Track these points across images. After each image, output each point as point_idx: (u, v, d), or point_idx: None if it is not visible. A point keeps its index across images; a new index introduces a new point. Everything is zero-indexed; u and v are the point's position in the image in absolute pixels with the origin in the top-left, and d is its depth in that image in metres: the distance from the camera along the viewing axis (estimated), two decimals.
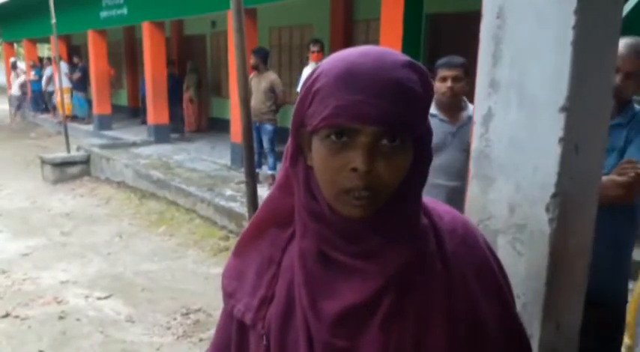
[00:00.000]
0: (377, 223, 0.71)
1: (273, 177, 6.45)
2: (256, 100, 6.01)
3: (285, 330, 0.77)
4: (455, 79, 2.53)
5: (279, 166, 6.11)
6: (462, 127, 2.56)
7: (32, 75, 15.39)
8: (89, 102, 13.00)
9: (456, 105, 2.61)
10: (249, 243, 0.85)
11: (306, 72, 6.09)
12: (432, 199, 0.84)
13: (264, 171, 6.46)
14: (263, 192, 5.87)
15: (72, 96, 13.18)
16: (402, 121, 0.66)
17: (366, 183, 0.66)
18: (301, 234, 0.76)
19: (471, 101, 2.38)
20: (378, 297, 0.72)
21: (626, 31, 1.54)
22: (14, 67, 16.80)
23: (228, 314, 0.87)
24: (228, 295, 0.85)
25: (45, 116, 15.00)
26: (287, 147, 0.77)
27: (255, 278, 0.82)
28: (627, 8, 2.06)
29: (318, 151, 0.69)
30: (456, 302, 0.75)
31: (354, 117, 0.65)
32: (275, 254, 0.81)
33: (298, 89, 6.16)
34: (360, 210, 0.68)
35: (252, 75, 6.03)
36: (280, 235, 0.81)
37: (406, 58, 0.69)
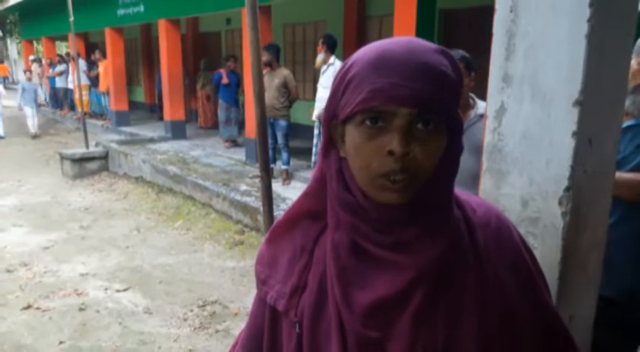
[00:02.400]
0: (412, 211, 0.71)
1: (287, 172, 6.47)
2: (269, 97, 6.02)
3: (317, 320, 0.78)
4: None
5: (293, 161, 6.08)
6: (469, 128, 2.31)
7: (50, 72, 15.59)
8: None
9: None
10: (283, 232, 0.86)
11: (319, 59, 6.00)
12: (463, 191, 0.83)
13: (278, 166, 6.49)
14: (277, 187, 5.91)
15: (90, 93, 13.34)
16: (436, 103, 0.67)
17: (403, 166, 0.66)
18: (334, 226, 0.76)
19: (481, 97, 2.34)
20: (410, 290, 0.72)
21: None
22: (39, 62, 17.05)
23: (261, 300, 0.87)
24: (262, 282, 0.86)
25: (61, 112, 15.19)
26: (321, 141, 0.78)
27: (287, 267, 0.83)
28: None
29: (352, 138, 0.70)
30: (488, 295, 0.75)
31: (389, 99, 0.66)
32: (307, 243, 0.81)
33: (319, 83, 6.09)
34: (396, 195, 0.68)
35: (264, 71, 6.03)
36: (313, 226, 0.82)
37: (437, 45, 0.70)
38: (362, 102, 0.67)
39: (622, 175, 1.69)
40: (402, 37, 0.72)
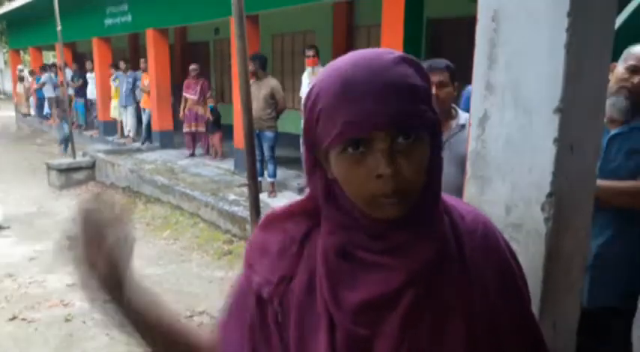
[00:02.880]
0: (407, 219, 0.72)
1: (273, 184, 6.36)
2: (256, 108, 5.96)
3: (305, 314, 0.78)
4: (440, 85, 2.24)
5: (282, 171, 5.99)
6: (452, 138, 2.25)
7: (35, 85, 15.46)
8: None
9: (443, 113, 2.25)
10: (277, 222, 0.85)
11: (305, 77, 6.11)
12: (452, 197, 0.84)
13: (265, 178, 6.37)
14: (264, 198, 5.88)
15: (73, 103, 13.20)
16: (411, 117, 0.67)
17: (394, 186, 0.67)
18: (327, 232, 0.77)
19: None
20: (401, 291, 0.73)
21: (621, 40, 1.55)
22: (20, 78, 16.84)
23: (246, 282, 0.86)
24: (249, 266, 0.86)
25: (47, 122, 15.07)
26: (305, 164, 0.78)
27: (276, 256, 0.82)
28: (622, 17, 2.06)
29: (338, 166, 0.71)
30: (473, 301, 0.76)
31: (365, 128, 0.66)
32: (297, 235, 0.82)
33: (301, 93, 6.20)
34: (394, 210, 0.69)
35: (251, 81, 6.02)
36: (306, 221, 0.82)
37: (397, 54, 0.70)
38: (339, 135, 0.67)
39: (620, 184, 1.71)
40: (361, 54, 0.71)
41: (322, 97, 0.70)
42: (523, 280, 0.85)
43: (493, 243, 0.81)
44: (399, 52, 0.71)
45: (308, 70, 6.06)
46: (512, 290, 0.81)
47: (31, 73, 15.88)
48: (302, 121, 0.77)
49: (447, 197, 0.81)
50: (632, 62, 1.75)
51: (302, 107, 0.76)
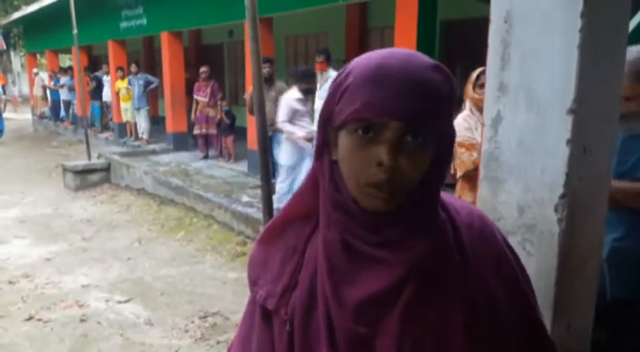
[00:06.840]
0: (397, 216, 0.73)
1: None
2: (268, 110, 5.97)
3: (308, 318, 0.79)
4: None
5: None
6: None
7: (52, 84, 15.69)
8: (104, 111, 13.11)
9: None
10: (276, 232, 0.87)
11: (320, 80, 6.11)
12: (448, 194, 0.86)
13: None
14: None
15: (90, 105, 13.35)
16: (425, 119, 0.69)
17: (390, 177, 0.69)
18: (325, 224, 0.78)
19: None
20: (399, 286, 0.74)
21: (635, 41, 1.53)
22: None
23: (252, 301, 0.89)
24: (253, 283, 0.88)
25: (62, 124, 15.28)
26: (316, 143, 0.80)
27: (279, 266, 0.84)
28: (637, 19, 2.03)
29: (344, 145, 0.72)
30: (474, 293, 0.77)
31: (380, 113, 0.68)
32: (299, 243, 0.83)
33: (316, 96, 6.19)
34: (383, 203, 0.71)
35: None
36: (305, 226, 0.84)
37: (432, 61, 0.73)
38: (355, 112, 0.69)
39: (633, 185, 1.70)
40: (402, 50, 0.74)
41: (352, 75, 0.72)
42: (522, 271, 0.86)
43: (489, 235, 0.83)
44: (435, 61, 0.73)
45: (319, 75, 6.07)
46: (510, 280, 0.82)
47: (51, 75, 16.11)
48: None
49: (442, 195, 0.82)
50: None
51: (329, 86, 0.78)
